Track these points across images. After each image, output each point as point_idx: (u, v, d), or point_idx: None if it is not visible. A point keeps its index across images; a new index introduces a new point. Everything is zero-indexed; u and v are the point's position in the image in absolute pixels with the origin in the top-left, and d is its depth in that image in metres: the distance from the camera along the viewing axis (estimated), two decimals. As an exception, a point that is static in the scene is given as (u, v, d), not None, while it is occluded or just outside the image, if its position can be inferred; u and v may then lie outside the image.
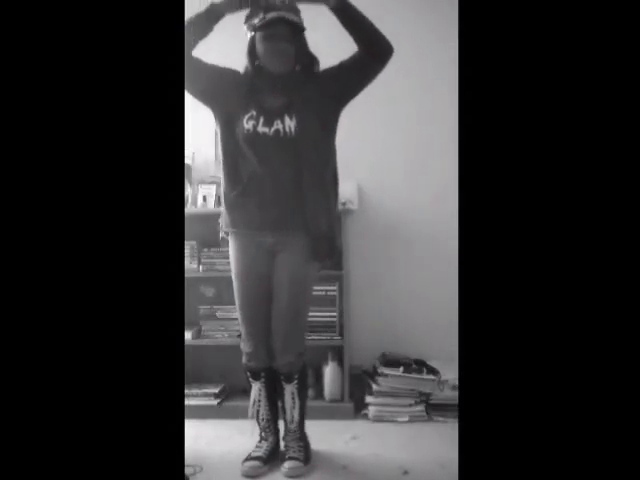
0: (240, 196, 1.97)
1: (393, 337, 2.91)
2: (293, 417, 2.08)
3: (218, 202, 2.80)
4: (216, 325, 2.80)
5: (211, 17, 1.87)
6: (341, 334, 2.69)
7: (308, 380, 2.24)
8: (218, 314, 2.80)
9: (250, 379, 2.14)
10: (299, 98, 1.91)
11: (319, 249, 1.95)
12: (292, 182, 1.91)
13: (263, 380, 2.11)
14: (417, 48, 2.92)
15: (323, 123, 1.94)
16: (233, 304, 2.73)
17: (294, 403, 2.07)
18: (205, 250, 2.78)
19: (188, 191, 2.87)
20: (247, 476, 2.03)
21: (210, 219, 2.74)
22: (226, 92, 1.94)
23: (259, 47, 1.90)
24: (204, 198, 2.84)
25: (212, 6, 1.86)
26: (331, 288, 2.70)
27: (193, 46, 1.86)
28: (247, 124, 1.90)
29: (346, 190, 2.83)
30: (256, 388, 2.12)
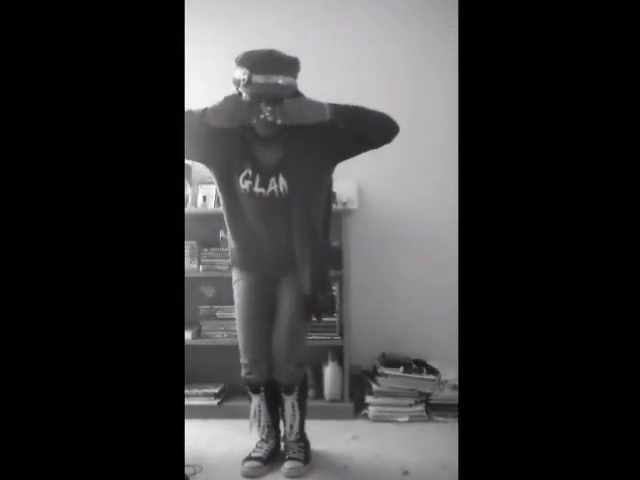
0: (239, 251, 2.03)
1: (393, 337, 2.91)
2: (293, 429, 2.09)
3: (218, 202, 2.79)
4: (216, 325, 2.80)
5: (201, 128, 1.79)
6: (341, 334, 2.69)
7: (308, 381, 2.23)
8: (218, 314, 2.81)
9: (249, 393, 2.12)
10: (293, 154, 1.87)
11: (308, 307, 1.95)
12: (287, 242, 1.92)
13: (263, 395, 2.10)
14: (417, 47, 2.92)
15: (317, 177, 1.92)
16: (233, 304, 2.75)
17: (294, 414, 2.07)
18: (205, 250, 2.78)
19: (188, 191, 2.87)
20: (247, 476, 2.03)
21: (210, 219, 2.76)
22: (221, 149, 1.90)
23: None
24: (204, 198, 2.84)
25: (203, 115, 1.77)
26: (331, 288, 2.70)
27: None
28: (244, 184, 1.89)
29: (346, 190, 2.84)
30: (255, 403, 2.12)
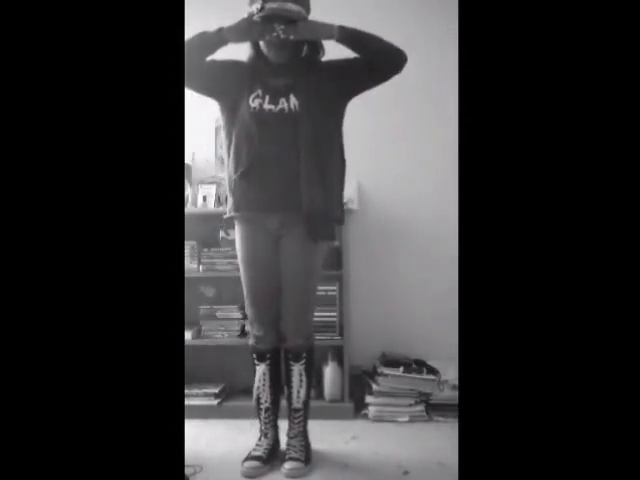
0: (242, 177, 1.96)
1: (393, 337, 2.91)
2: (300, 395, 2.09)
3: (218, 202, 2.80)
4: (216, 325, 2.80)
5: (216, 42, 1.88)
6: (341, 334, 2.69)
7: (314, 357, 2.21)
8: (218, 314, 2.81)
9: (255, 361, 2.13)
10: (303, 80, 1.92)
11: (313, 228, 1.94)
12: (293, 162, 1.90)
13: (268, 362, 2.11)
14: (417, 46, 2.91)
15: (326, 107, 1.94)
16: (233, 304, 2.77)
17: (301, 382, 2.08)
18: (205, 250, 2.78)
19: (188, 191, 2.87)
20: (247, 476, 2.03)
21: (210, 219, 2.76)
22: (232, 83, 1.95)
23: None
24: (204, 198, 2.84)
25: (219, 32, 1.87)
26: (331, 288, 2.70)
27: (195, 61, 1.86)
28: (253, 102, 1.92)
29: (347, 190, 2.83)
30: (260, 371, 2.12)
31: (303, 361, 2.08)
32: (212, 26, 1.89)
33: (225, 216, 2.08)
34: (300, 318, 2.05)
